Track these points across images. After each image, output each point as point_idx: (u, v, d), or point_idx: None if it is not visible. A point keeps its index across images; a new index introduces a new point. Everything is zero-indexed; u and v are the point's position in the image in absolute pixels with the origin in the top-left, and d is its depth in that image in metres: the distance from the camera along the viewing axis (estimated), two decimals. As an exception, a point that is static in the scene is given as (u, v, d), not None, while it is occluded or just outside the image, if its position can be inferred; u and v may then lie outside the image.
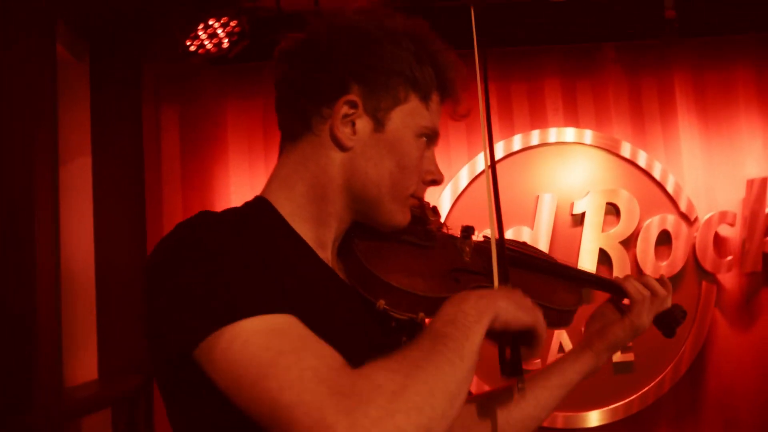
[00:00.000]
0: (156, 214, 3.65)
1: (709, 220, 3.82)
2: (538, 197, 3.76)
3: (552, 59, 3.89)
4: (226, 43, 2.78)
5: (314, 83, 1.06)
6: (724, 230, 3.86)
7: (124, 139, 3.73)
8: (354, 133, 1.06)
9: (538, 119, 3.85)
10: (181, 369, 0.90)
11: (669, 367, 3.76)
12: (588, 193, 3.77)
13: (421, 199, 1.14)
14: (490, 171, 1.12)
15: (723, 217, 3.83)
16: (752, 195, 3.86)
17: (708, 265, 3.80)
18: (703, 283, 3.82)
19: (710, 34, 3.88)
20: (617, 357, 3.74)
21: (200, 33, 2.66)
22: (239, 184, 3.70)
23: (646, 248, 3.77)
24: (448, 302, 0.96)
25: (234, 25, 2.70)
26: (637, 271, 3.73)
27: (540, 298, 1.19)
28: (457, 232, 1.23)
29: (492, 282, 1.11)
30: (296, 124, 1.09)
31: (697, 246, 3.81)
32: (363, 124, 1.06)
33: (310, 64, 1.07)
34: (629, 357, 3.75)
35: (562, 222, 3.76)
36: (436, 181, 1.13)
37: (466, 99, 1.14)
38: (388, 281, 1.04)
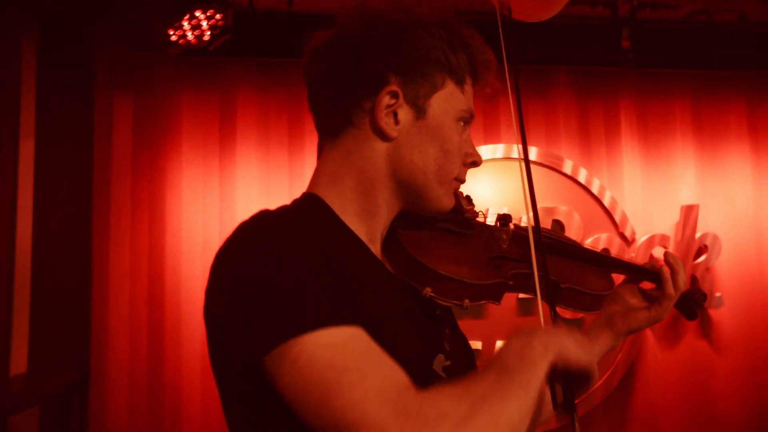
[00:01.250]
0: (103, 205, 3.53)
1: (645, 242, 4.01)
2: (488, 210, 3.84)
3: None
4: (207, 36, 2.73)
5: (353, 78, 1.07)
6: (658, 252, 4.05)
7: (72, 125, 3.59)
8: (397, 122, 1.07)
9: (492, 134, 3.95)
10: (246, 374, 0.91)
11: (602, 380, 3.92)
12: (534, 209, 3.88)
13: (461, 182, 1.15)
14: (523, 164, 1.17)
15: (658, 239, 4.03)
16: (684, 220, 4.08)
17: (642, 284, 3.98)
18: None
19: (656, 66, 4.08)
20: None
21: (185, 23, 2.60)
22: (192, 177, 3.63)
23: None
24: (516, 336, 0.97)
25: (219, 18, 2.66)
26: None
27: (576, 284, 1.23)
28: (489, 221, 1.25)
29: (531, 268, 1.15)
30: (337, 120, 1.09)
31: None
32: (404, 113, 1.07)
33: (347, 59, 1.07)
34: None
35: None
36: (476, 162, 1.15)
37: (494, 81, 1.18)
38: (435, 269, 1.05)
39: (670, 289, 1.31)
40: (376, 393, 0.82)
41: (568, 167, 3.98)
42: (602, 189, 4.02)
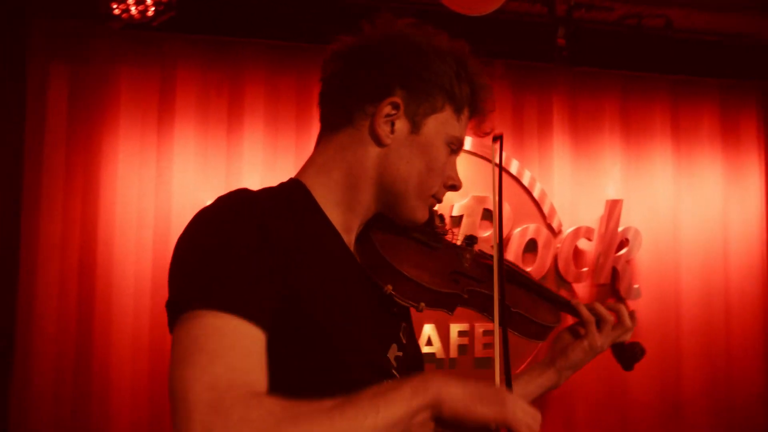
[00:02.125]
0: (35, 174, 3.47)
1: (571, 234, 4.18)
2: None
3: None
4: (151, 12, 2.72)
5: (364, 82, 1.16)
6: (583, 244, 4.23)
7: (3, 92, 3.51)
8: (392, 132, 1.16)
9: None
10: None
11: (523, 366, 4.07)
12: (468, 197, 4.00)
13: (438, 201, 1.26)
14: (497, 198, 1.29)
15: (583, 231, 4.20)
16: (609, 214, 4.26)
17: (567, 275, 4.16)
18: (561, 291, 4.17)
19: (588, 65, 4.24)
20: (480, 352, 4.01)
21: (129, -4, 2.59)
22: (129, 152, 3.60)
23: (514, 254, 4.06)
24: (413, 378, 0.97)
25: (165, -6, 2.65)
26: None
27: (526, 311, 1.37)
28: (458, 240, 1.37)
29: (486, 288, 1.28)
30: (339, 117, 1.18)
31: (559, 256, 4.15)
32: (401, 124, 1.17)
33: (362, 64, 1.17)
34: (490, 353, 4.02)
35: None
36: (456, 186, 1.25)
37: (490, 119, 1.28)
38: (399, 269, 1.15)
39: (611, 332, 1.48)
40: (208, 379, 0.88)
41: (500, 158, 4.10)
42: (533, 181, 4.16)
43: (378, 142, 1.15)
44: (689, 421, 4.58)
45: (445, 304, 1.22)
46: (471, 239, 1.37)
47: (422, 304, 1.18)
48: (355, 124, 1.16)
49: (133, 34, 3.48)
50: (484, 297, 1.29)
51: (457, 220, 3.98)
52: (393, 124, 1.16)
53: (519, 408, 0.99)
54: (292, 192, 1.15)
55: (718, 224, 4.61)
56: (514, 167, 4.14)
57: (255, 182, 3.56)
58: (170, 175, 3.62)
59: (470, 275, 1.30)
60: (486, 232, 4.01)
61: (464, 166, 3.99)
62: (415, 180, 1.17)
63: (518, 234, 4.08)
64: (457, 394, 0.95)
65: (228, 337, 0.92)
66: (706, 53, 4.46)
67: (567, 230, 4.19)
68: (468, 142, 4.05)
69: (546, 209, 4.17)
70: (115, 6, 2.68)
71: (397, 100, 1.15)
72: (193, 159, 3.66)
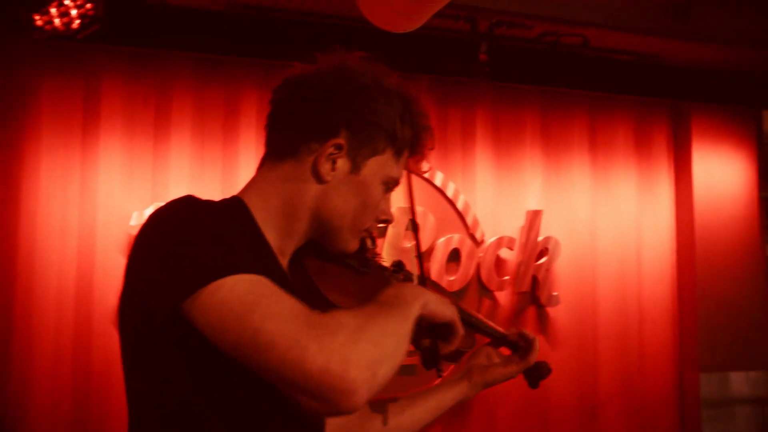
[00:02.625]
0: (-48, 186, 3.40)
1: (493, 243, 4.32)
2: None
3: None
4: (76, 24, 2.70)
5: (311, 120, 1.22)
6: (505, 253, 4.38)
7: None
8: (333, 170, 1.23)
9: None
10: (166, 329, 1.05)
11: (447, 372, 4.19)
12: (393, 208, 4.09)
13: (369, 235, 1.34)
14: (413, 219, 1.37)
15: (505, 241, 4.35)
16: (529, 224, 4.43)
17: (489, 283, 4.30)
18: (484, 299, 4.31)
19: (510, 81, 4.39)
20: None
21: (52, 9, 2.57)
22: (52, 163, 3.56)
23: (438, 263, 4.18)
24: (390, 286, 1.16)
25: (90, 7, 2.64)
26: (431, 283, 4.12)
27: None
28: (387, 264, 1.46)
29: None
30: (285, 147, 1.24)
31: (481, 265, 4.29)
32: (342, 163, 1.24)
33: (312, 101, 1.23)
34: (413, 360, 4.12)
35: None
36: (388, 221, 1.34)
37: (426, 161, 1.38)
38: (326, 295, 1.24)
39: (525, 359, 1.59)
40: (288, 311, 1.01)
41: (427, 172, 4.21)
42: (456, 193, 4.29)
43: (319, 178, 1.22)
44: (606, 420, 4.79)
45: None
46: (399, 265, 1.46)
47: None
48: (299, 158, 1.23)
49: (57, 43, 3.45)
50: None
51: (383, 231, 4.07)
52: (335, 162, 1.23)
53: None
54: (234, 208, 1.21)
55: (631, 233, 4.84)
56: (438, 179, 4.25)
57: (182, 194, 3.57)
58: (95, 187, 3.59)
59: None
60: (409, 243, 4.11)
61: None
62: (351, 216, 1.25)
63: (442, 244, 4.20)
64: (434, 299, 1.18)
65: (266, 284, 1.04)
66: (622, 71, 4.68)
67: (489, 240, 4.33)
68: (394, 155, 4.15)
69: (469, 220, 4.30)
70: (37, 17, 2.65)
71: (341, 141, 1.22)
72: (119, 170, 3.64)
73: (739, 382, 5.00)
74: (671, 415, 5.06)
